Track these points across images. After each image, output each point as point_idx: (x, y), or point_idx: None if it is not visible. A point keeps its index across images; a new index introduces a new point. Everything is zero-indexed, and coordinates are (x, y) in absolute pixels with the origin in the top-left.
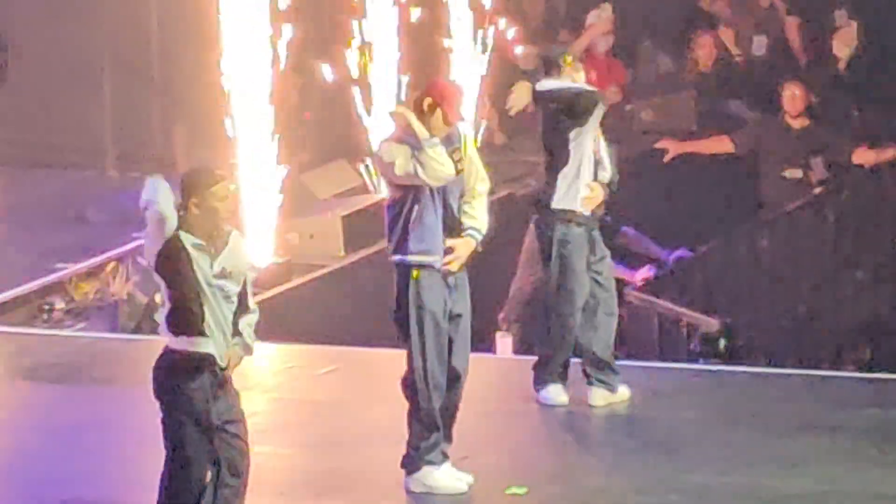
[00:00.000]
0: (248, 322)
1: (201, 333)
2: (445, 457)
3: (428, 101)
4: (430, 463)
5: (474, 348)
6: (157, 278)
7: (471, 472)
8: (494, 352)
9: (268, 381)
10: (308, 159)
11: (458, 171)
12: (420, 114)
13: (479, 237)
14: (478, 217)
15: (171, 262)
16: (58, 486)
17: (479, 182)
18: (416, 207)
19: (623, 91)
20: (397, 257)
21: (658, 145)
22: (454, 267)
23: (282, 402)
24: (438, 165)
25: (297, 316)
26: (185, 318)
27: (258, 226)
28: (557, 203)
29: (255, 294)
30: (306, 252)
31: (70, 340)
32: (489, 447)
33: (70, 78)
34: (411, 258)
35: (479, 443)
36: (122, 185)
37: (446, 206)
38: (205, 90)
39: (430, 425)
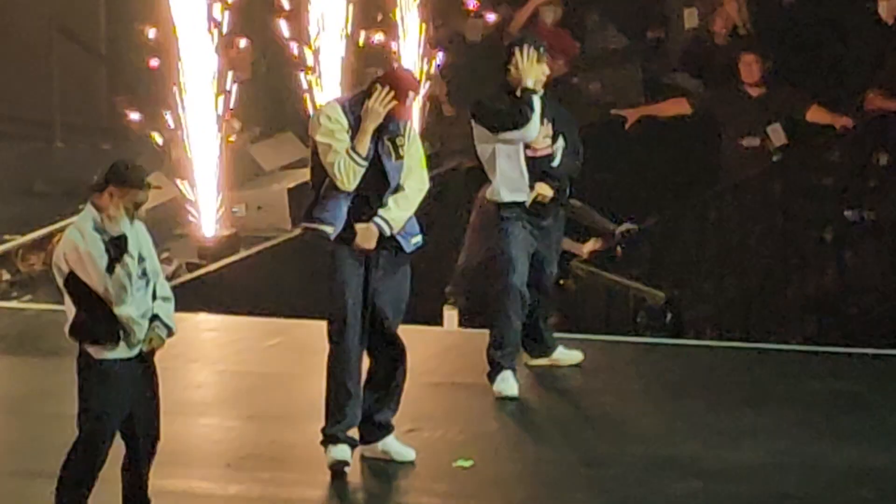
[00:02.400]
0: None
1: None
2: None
3: (379, 87)
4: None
5: (422, 321)
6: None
7: (417, 444)
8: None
9: (214, 353)
10: (257, 131)
11: (400, 158)
12: (368, 97)
13: (385, 229)
14: (391, 209)
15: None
16: (5, 457)
17: (410, 179)
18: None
19: (571, 63)
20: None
21: (614, 112)
22: (365, 246)
23: (228, 374)
24: (345, 177)
25: (243, 288)
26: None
27: (205, 197)
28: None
29: (203, 265)
30: (253, 224)
31: (16, 312)
32: (436, 420)
33: (17, 49)
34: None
35: (426, 415)
36: (69, 157)
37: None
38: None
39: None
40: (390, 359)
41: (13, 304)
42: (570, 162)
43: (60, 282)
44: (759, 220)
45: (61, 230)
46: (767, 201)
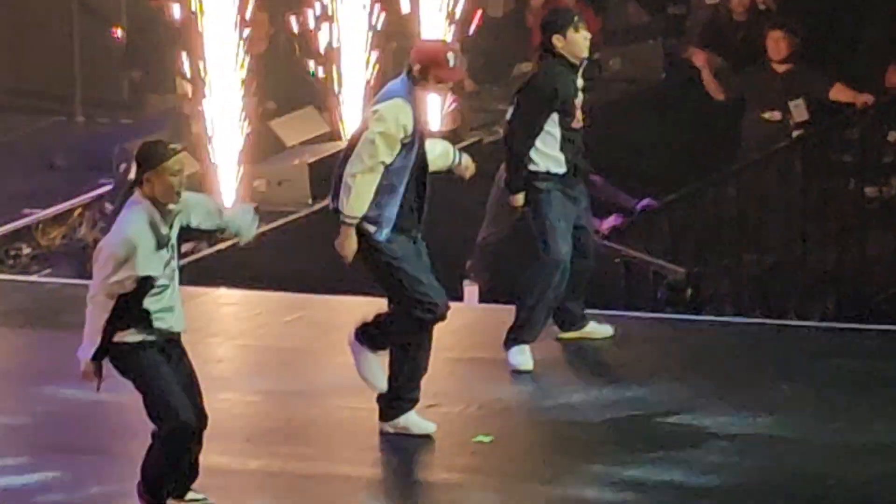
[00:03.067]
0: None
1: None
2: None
3: (417, 66)
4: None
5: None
6: None
7: (437, 420)
8: (462, 300)
9: (234, 328)
10: (276, 107)
11: None
12: (413, 83)
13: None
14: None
15: None
16: (25, 433)
17: None
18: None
19: (592, 39)
20: None
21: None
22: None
23: (248, 349)
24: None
25: (263, 263)
26: None
27: (225, 172)
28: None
29: (221, 241)
30: (274, 199)
31: (36, 286)
32: (455, 395)
33: (39, 24)
34: None
35: (446, 391)
36: (90, 131)
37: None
38: (172, 36)
39: None
40: None
41: (33, 278)
42: None
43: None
44: (778, 197)
45: (81, 205)
46: (787, 178)
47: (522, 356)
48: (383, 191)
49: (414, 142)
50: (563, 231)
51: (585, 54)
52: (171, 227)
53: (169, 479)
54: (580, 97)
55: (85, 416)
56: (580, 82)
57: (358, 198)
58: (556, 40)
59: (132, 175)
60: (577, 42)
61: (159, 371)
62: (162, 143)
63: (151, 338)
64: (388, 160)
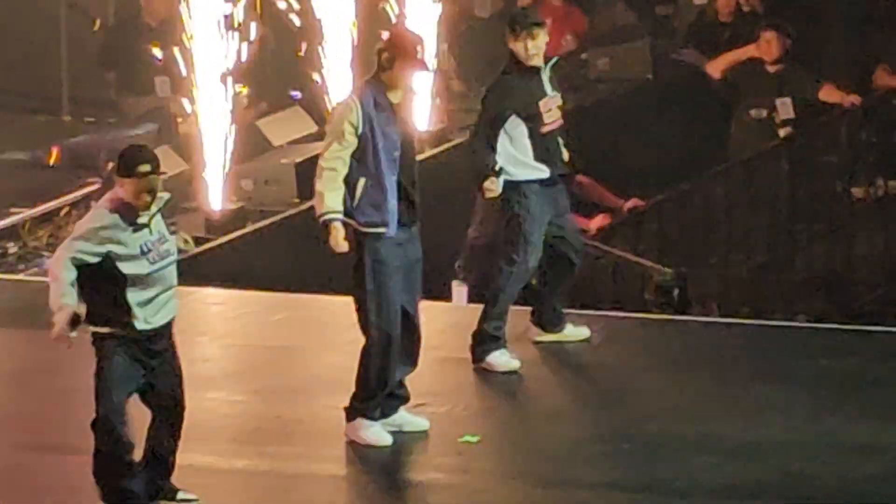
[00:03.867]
0: None
1: None
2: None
3: (385, 54)
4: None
5: (431, 296)
6: None
7: (425, 419)
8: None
9: (220, 328)
10: (264, 106)
11: None
12: (380, 69)
13: None
14: None
15: None
16: (9, 430)
17: None
18: None
19: (579, 39)
20: None
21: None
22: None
23: (234, 349)
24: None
25: (250, 262)
26: None
27: (212, 171)
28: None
29: (210, 239)
30: (260, 198)
31: (23, 285)
32: (443, 395)
33: (25, 23)
34: None
35: (433, 391)
36: (76, 130)
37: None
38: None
39: None
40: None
41: (20, 276)
42: None
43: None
44: (766, 197)
45: (68, 204)
46: (775, 178)
47: (505, 356)
48: (372, 191)
49: (368, 134)
50: (535, 244)
51: (538, 63)
52: (147, 226)
53: (111, 470)
54: (550, 97)
55: (72, 414)
56: (546, 85)
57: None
58: (512, 45)
59: None
60: (530, 49)
61: (112, 363)
62: (142, 155)
63: (122, 332)
64: (341, 169)
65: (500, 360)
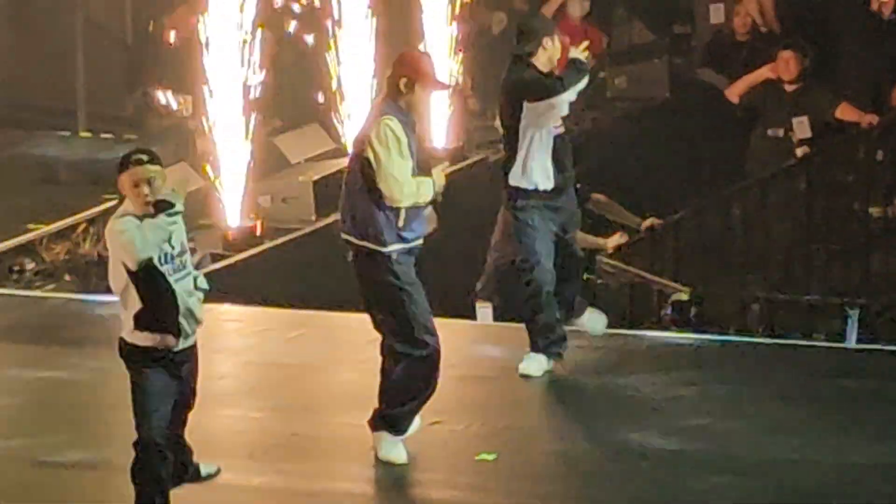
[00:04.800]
0: None
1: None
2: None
3: (403, 80)
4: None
5: (453, 314)
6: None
7: (440, 437)
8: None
9: (237, 344)
10: (281, 124)
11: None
12: (398, 95)
13: None
14: None
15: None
16: (27, 447)
17: None
18: None
19: (597, 58)
20: None
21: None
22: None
23: (251, 366)
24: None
25: (267, 279)
26: None
27: (230, 188)
28: (513, 180)
29: (227, 256)
30: (278, 216)
31: (40, 301)
32: (459, 413)
33: (44, 39)
34: None
35: (450, 408)
36: (94, 146)
37: None
38: (176, 54)
39: None
40: None
41: (37, 293)
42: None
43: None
44: (783, 216)
45: (85, 220)
46: (792, 197)
47: (536, 364)
48: (412, 210)
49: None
50: (544, 259)
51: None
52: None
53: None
54: None
55: (91, 430)
56: None
57: (414, 192)
58: (546, 42)
59: None
60: (558, 50)
61: (153, 383)
62: (136, 151)
63: (160, 347)
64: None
65: (530, 363)
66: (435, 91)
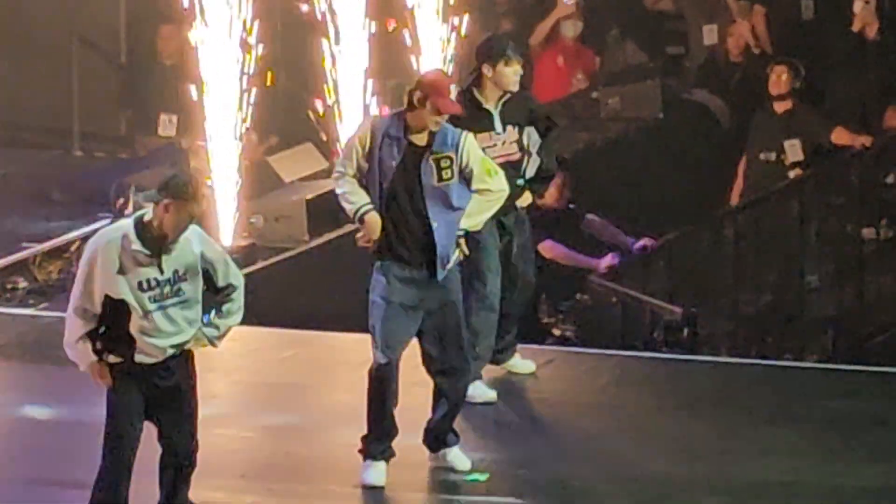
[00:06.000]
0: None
1: None
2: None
3: (417, 94)
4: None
5: None
6: None
7: (433, 458)
8: None
9: (230, 364)
10: (275, 143)
11: (445, 180)
12: (411, 108)
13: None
14: (472, 215)
15: None
16: (22, 465)
17: (477, 182)
18: None
19: (590, 78)
20: None
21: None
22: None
23: (244, 385)
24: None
25: (260, 299)
26: None
27: (222, 208)
28: None
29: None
30: (271, 235)
31: (33, 320)
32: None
33: (38, 58)
34: None
35: None
36: (87, 165)
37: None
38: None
39: None
40: None
41: (30, 311)
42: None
43: None
44: (775, 238)
45: (78, 238)
46: (784, 218)
47: (479, 389)
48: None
49: (371, 159)
50: (494, 274)
51: (513, 88)
52: (160, 261)
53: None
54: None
55: (83, 448)
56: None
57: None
58: (485, 69)
59: (129, 210)
60: (506, 75)
61: (119, 394)
62: (195, 182)
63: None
64: (349, 170)
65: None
66: (446, 111)
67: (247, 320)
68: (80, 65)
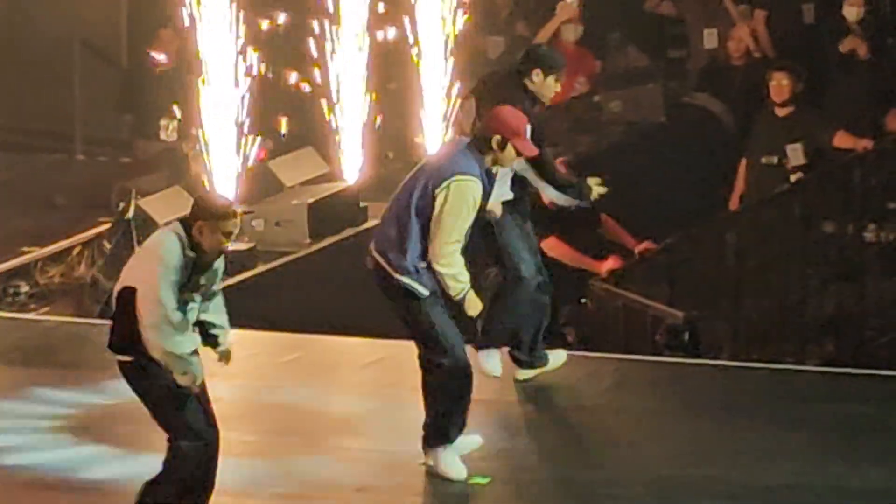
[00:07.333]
0: None
1: None
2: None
3: (497, 138)
4: None
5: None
6: None
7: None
8: None
9: (231, 368)
10: (275, 146)
11: None
12: (487, 150)
13: None
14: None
15: None
16: (21, 469)
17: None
18: None
19: (592, 82)
20: None
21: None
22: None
23: (245, 389)
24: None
25: (261, 303)
26: None
27: None
28: None
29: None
30: (272, 239)
31: (34, 324)
32: None
33: (40, 63)
34: None
35: None
36: (89, 169)
37: None
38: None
39: None
40: None
41: (31, 315)
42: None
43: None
44: (777, 241)
45: (81, 243)
46: (786, 222)
47: (493, 361)
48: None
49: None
50: (524, 250)
51: (547, 104)
52: (203, 275)
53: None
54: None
55: (84, 452)
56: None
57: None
58: (535, 74)
59: (130, 214)
60: (551, 89)
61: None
62: (226, 202)
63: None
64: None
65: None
66: (524, 153)
67: (248, 324)
68: (82, 69)
